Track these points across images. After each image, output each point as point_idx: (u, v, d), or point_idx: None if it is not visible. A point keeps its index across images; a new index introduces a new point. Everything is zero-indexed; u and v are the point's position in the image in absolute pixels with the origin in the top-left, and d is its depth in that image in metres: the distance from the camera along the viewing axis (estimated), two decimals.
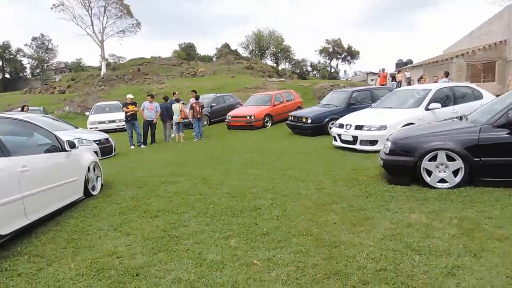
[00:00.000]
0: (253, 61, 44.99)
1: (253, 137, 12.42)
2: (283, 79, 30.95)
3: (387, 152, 5.47)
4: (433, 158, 5.08)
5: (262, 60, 52.11)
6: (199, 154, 9.38)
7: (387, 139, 5.73)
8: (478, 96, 8.96)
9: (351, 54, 55.57)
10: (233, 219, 4.42)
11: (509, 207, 4.18)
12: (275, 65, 52.72)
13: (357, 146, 8.29)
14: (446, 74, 13.66)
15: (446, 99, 8.66)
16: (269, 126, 14.86)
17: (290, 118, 12.62)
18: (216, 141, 11.99)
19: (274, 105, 15.46)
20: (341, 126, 8.92)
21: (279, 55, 54.10)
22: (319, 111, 11.82)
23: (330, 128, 11.02)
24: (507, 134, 4.75)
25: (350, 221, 4.11)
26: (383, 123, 8.04)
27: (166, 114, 13.01)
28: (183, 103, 13.52)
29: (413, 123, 7.82)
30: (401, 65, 36.78)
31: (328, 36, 79.49)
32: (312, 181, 5.94)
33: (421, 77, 14.16)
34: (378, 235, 3.70)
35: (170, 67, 39.30)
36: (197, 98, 13.40)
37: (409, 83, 16.65)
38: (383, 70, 22.36)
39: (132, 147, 12.13)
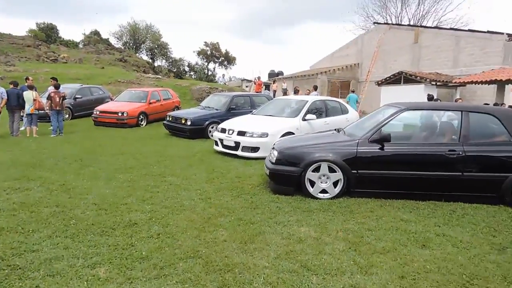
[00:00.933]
0: (127, 53, 41.95)
1: (126, 136, 11.48)
2: (159, 76, 29.55)
3: (274, 161, 5.40)
4: (316, 169, 5.18)
5: (137, 54, 49.05)
6: (58, 154, 7.96)
7: (273, 148, 5.68)
8: (345, 110, 9.93)
9: (228, 59, 56.60)
10: (102, 238, 3.63)
11: (383, 218, 4.46)
12: (150, 60, 50.28)
13: (239, 152, 8.22)
14: (315, 88, 14.87)
15: (320, 111, 9.26)
16: (143, 125, 14.09)
17: (168, 119, 12.05)
18: (81, 139, 10.63)
19: (150, 103, 14.75)
20: (223, 131, 8.79)
21: (156, 51, 51.78)
22: (199, 113, 11.53)
23: (210, 132, 11.01)
24: (379, 148, 5.11)
25: (241, 238, 3.78)
26: (264, 130, 8.14)
27: (16, 102, 10.93)
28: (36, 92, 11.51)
29: (292, 133, 8.23)
30: (274, 75, 39.49)
31: (207, 39, 79.44)
32: (195, 189, 5.52)
33: (296, 89, 15.31)
34: (271, 253, 3.46)
35: (23, 48, 33.66)
36: (57, 87, 11.75)
37: (285, 93, 17.68)
38: (259, 78, 23.42)
39: None
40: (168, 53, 52.95)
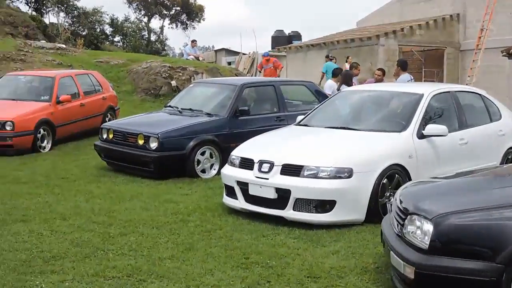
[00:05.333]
0: None
1: (16, 177, 11.03)
2: (63, 46, 28.71)
3: (424, 246, 4.77)
4: None
5: (10, 2, 48.07)
6: None
7: (414, 214, 5.02)
8: (494, 113, 10.07)
9: (189, 11, 56.53)
10: None
11: None
12: (35, 13, 49.44)
13: (288, 213, 7.71)
14: (402, 64, 14.11)
15: (447, 115, 9.37)
16: (47, 150, 13.82)
17: (104, 135, 11.76)
18: None
19: (60, 102, 14.49)
20: (246, 163, 8.40)
21: None
22: (173, 123, 11.45)
23: (199, 163, 10.92)
24: None
25: None
26: (344, 162, 7.71)
27: None
28: None
29: (401, 165, 8.10)
30: (282, 40, 38.96)
31: None
32: None
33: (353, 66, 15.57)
34: None
35: None
36: None
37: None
38: (266, 53, 24.66)
39: None
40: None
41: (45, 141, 13.67)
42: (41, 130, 13.57)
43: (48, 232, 7.19)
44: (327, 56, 23.96)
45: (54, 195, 9.28)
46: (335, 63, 21.05)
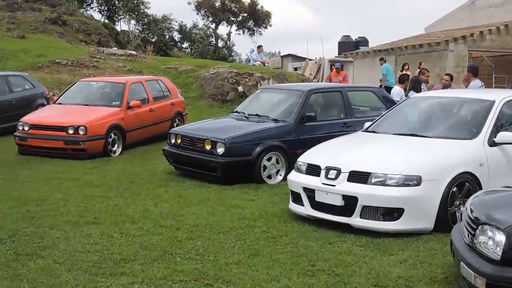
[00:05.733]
0: (66, 9, 42.24)
1: (88, 180, 11.21)
2: (134, 53, 29.39)
3: (499, 258, 4.69)
4: None
5: (84, 11, 49.46)
6: None
7: (487, 224, 4.92)
8: None
9: (256, 17, 56.80)
10: None
11: None
12: (108, 21, 50.72)
13: (355, 221, 7.65)
14: (473, 70, 13.87)
15: None
16: (117, 154, 14.08)
17: (172, 140, 11.92)
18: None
19: (130, 107, 14.77)
20: (312, 169, 8.38)
21: (118, 2, 52.13)
22: (239, 128, 11.47)
23: (265, 168, 10.91)
24: None
25: None
26: (413, 169, 7.61)
27: None
28: None
29: (471, 173, 7.96)
30: (349, 46, 38.70)
31: None
32: None
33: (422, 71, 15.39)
34: None
35: None
36: None
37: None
38: (339, 64, 24.41)
39: None
40: (142, 7, 53.40)
41: (116, 146, 13.94)
42: (112, 135, 13.84)
43: (118, 235, 7.33)
44: (381, 59, 24.92)
45: (124, 199, 9.44)
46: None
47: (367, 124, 9.87)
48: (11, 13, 37.90)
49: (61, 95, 16.06)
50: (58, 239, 6.99)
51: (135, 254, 6.58)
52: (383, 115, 10.05)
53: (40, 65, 23.94)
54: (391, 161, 7.89)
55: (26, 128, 13.76)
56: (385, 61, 24.00)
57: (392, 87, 17.39)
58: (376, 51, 30.74)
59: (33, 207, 8.68)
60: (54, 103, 15.73)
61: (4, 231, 7.20)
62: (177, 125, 15.44)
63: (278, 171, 10.72)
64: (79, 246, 6.82)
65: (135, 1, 52.79)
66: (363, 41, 39.96)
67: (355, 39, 41.28)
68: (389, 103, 12.22)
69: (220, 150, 10.65)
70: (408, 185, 7.46)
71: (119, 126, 14.12)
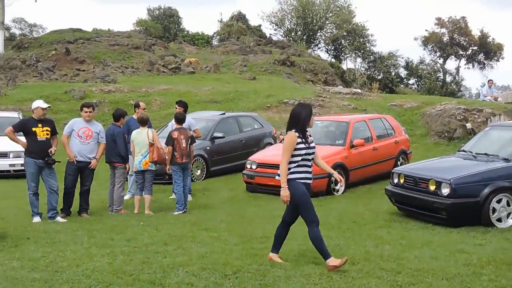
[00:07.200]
0: (295, 50, 44.11)
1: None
2: (359, 91, 29.62)
3: None
4: None
5: (311, 51, 51.20)
6: (192, 263, 7.76)
7: None
8: None
9: (487, 50, 54.60)
10: None
11: None
12: (334, 60, 51.94)
13: None
14: None
15: None
16: (340, 193, 14.27)
17: (395, 180, 11.87)
18: (227, 222, 11.04)
19: (353, 146, 14.91)
20: None
21: (345, 41, 53.05)
22: (466, 168, 11.26)
23: (495, 211, 10.42)
24: None
25: None
26: None
27: (117, 149, 11.92)
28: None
29: None
30: None
31: (440, 13, 78.89)
32: None
33: None
34: None
35: (129, 51, 38.91)
36: (179, 120, 12.47)
37: None
38: None
39: (37, 219, 11.11)
40: (368, 44, 53.84)
41: (339, 185, 14.04)
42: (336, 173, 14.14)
43: (338, 276, 7.32)
44: None
45: (345, 239, 9.46)
46: None
47: None
48: (244, 56, 40.64)
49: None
50: (279, 278, 7.15)
51: None
52: None
53: (268, 105, 25.13)
54: None
55: (254, 167, 14.51)
56: None
57: None
58: None
59: (257, 244, 8.96)
60: (281, 142, 15.98)
61: (229, 267, 7.49)
62: (401, 164, 15.35)
63: (509, 214, 10.20)
64: (298, 285, 6.92)
65: (361, 40, 53.65)
66: None
67: None
68: None
69: (445, 190, 10.45)
70: None
71: (343, 164, 14.32)
